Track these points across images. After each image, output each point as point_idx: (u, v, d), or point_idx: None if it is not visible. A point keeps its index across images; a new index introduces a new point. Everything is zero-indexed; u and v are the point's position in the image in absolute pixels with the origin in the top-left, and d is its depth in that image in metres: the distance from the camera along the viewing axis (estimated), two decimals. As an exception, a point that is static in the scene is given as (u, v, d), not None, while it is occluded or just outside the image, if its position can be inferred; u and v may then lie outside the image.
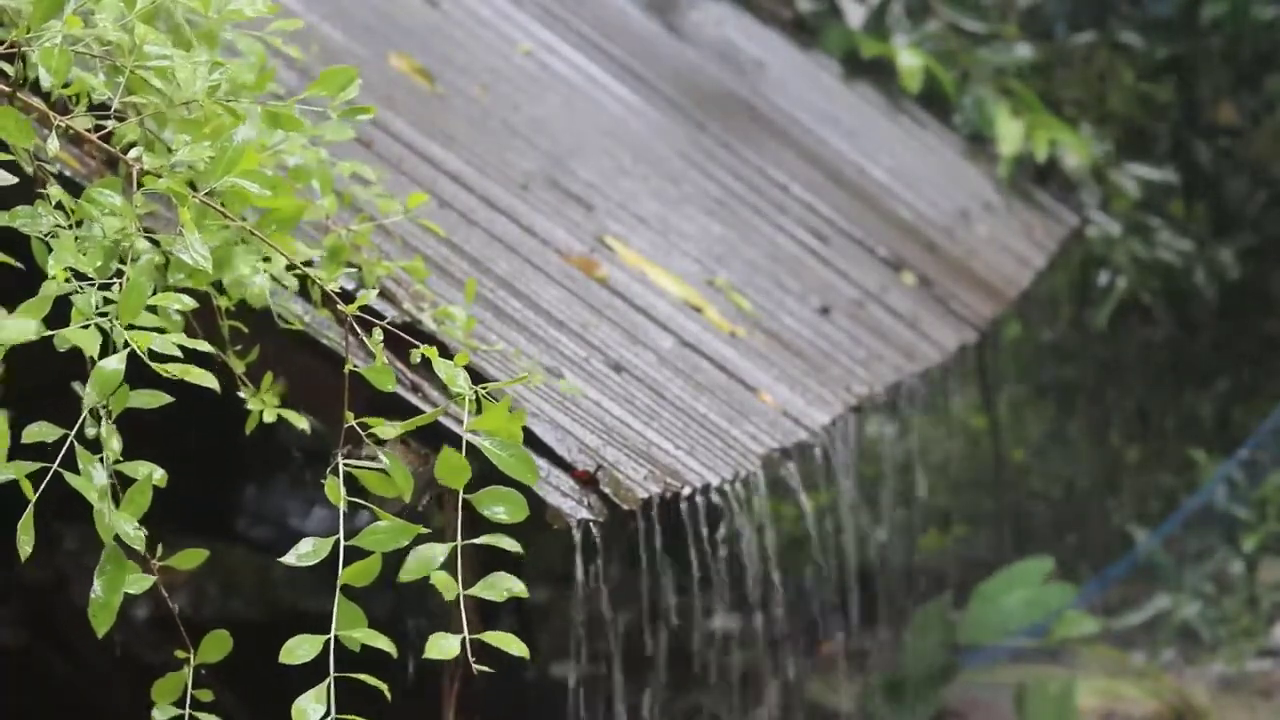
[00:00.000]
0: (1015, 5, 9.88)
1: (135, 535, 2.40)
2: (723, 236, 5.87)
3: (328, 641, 2.41)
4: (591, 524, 3.30)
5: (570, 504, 3.29)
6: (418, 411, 3.16)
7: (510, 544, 2.45)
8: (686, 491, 3.73)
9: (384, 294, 3.48)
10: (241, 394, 3.01)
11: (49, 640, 6.22)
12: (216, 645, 2.54)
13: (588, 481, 3.38)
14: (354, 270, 3.40)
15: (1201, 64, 10.03)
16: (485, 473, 2.52)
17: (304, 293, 3.16)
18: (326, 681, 2.39)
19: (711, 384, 4.52)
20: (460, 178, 4.71)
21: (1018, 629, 7.97)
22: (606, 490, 3.39)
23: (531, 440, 3.38)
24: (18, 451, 2.38)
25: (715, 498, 3.88)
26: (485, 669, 2.46)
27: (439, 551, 2.43)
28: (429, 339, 3.41)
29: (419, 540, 2.45)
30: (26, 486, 2.33)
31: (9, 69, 2.61)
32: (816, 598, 5.78)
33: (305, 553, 2.45)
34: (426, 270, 3.59)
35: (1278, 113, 10.06)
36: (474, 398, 2.54)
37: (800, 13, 9.07)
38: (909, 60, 8.75)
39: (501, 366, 3.58)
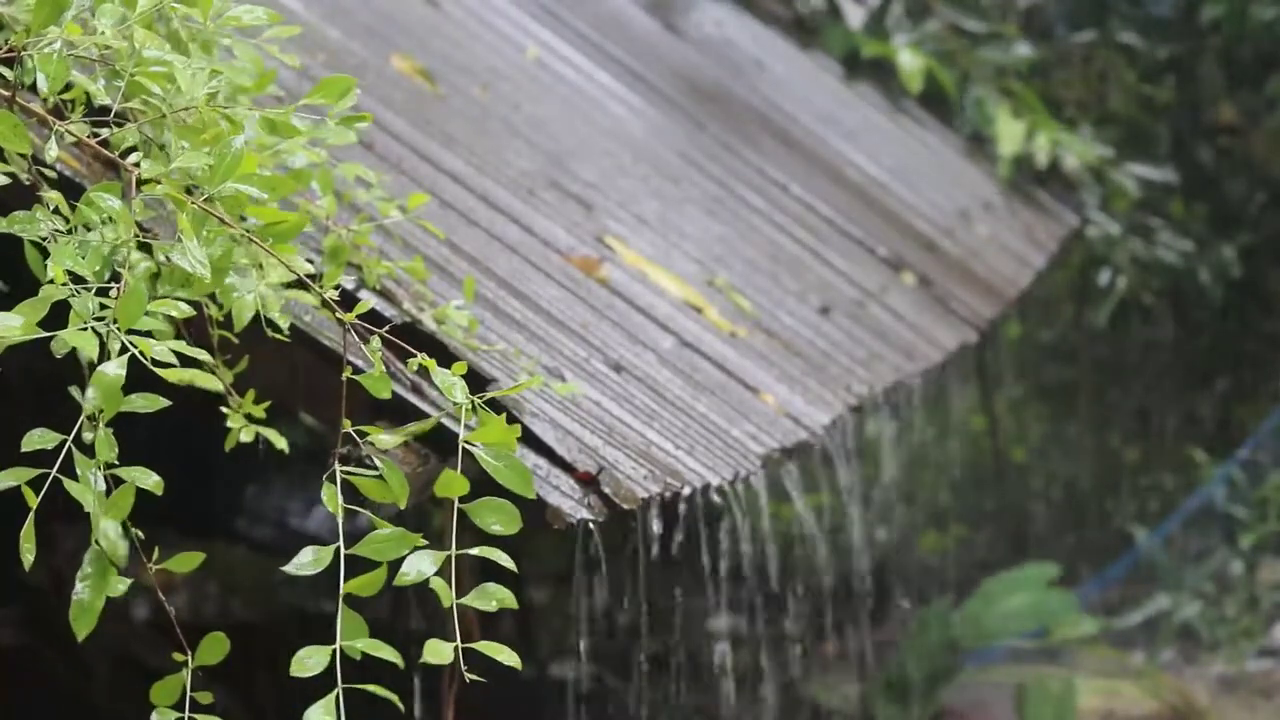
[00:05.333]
0: (1015, 5, 9.88)
1: (115, 539, 2.39)
2: (723, 236, 5.87)
3: (334, 651, 2.41)
4: (591, 524, 3.31)
5: (570, 504, 3.29)
6: (419, 412, 3.16)
7: (503, 558, 2.47)
8: (686, 491, 3.73)
9: (384, 294, 3.48)
10: (225, 408, 3.01)
11: (49, 640, 6.22)
12: (214, 647, 2.53)
13: (589, 482, 3.38)
14: (354, 270, 3.40)
15: (1201, 64, 10.04)
16: (485, 477, 2.53)
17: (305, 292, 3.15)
18: (335, 692, 2.39)
19: (711, 384, 4.52)
20: (460, 178, 4.71)
21: (1017, 631, 7.98)
22: (607, 490, 3.39)
23: (532, 440, 3.38)
24: (16, 451, 2.37)
25: (715, 498, 3.88)
26: (478, 678, 2.47)
27: (432, 560, 2.44)
28: (429, 339, 3.41)
29: (417, 548, 2.46)
30: (29, 494, 2.33)
31: (8, 74, 2.60)
32: (817, 598, 5.78)
33: (305, 562, 2.46)
34: (427, 270, 3.59)
35: (1278, 113, 10.06)
36: (470, 407, 2.55)
37: (800, 13, 9.08)
38: (910, 61, 8.75)
39: (501, 366, 3.58)
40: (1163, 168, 9.72)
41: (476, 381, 3.37)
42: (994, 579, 8.14)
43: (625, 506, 3.40)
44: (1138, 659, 8.65)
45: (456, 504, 2.47)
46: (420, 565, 2.44)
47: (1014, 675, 7.74)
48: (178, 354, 2.41)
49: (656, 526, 3.69)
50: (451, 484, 2.47)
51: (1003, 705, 7.61)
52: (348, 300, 3.18)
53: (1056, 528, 10.34)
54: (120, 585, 2.40)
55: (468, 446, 2.49)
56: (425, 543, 2.47)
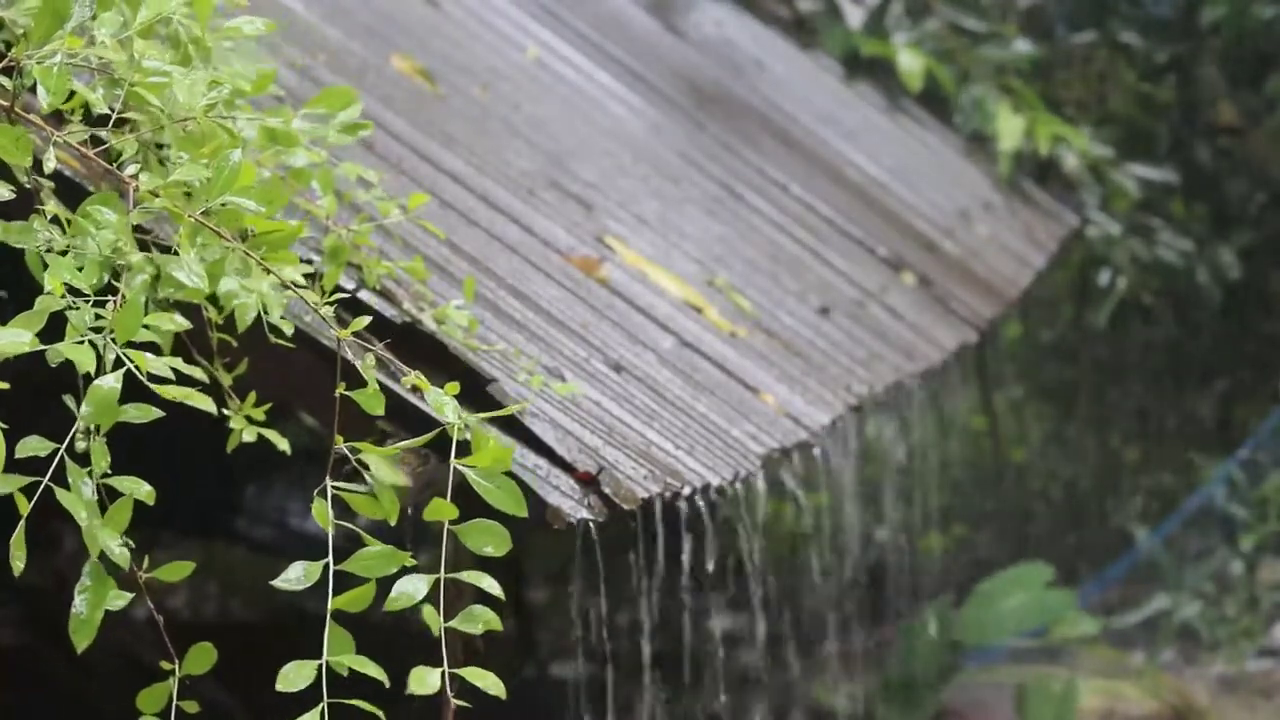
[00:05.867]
0: (1015, 5, 9.88)
1: (120, 553, 2.39)
2: (723, 236, 5.87)
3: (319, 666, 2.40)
4: (591, 524, 3.31)
5: (570, 504, 3.29)
6: (419, 412, 3.16)
7: (491, 584, 2.47)
8: (686, 491, 3.73)
9: (384, 294, 3.48)
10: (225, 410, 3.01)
11: (49, 640, 6.22)
12: (201, 657, 2.53)
13: (589, 482, 3.38)
14: (355, 270, 3.40)
15: (1201, 64, 10.03)
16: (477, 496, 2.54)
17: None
18: (320, 707, 2.39)
19: (711, 384, 4.52)
20: (460, 178, 4.72)
21: (1017, 631, 7.97)
22: (607, 490, 3.39)
23: (532, 440, 3.38)
24: (11, 458, 2.37)
25: (715, 498, 3.88)
26: (464, 704, 2.47)
27: (421, 584, 2.45)
28: (429, 339, 3.41)
29: (406, 568, 2.47)
30: (21, 501, 2.33)
31: (7, 84, 2.60)
32: (817, 598, 5.78)
33: (294, 577, 2.45)
34: (427, 270, 3.59)
35: (1278, 113, 10.06)
36: (463, 426, 2.56)
37: (800, 13, 9.07)
38: (910, 61, 8.75)
39: (501, 366, 3.58)
40: (1163, 168, 9.71)
41: (476, 382, 3.37)
42: (992, 579, 8.13)
43: (625, 506, 3.40)
44: (1138, 659, 8.64)
45: (447, 527, 2.48)
46: (410, 588, 2.45)
47: (1014, 675, 7.73)
48: (174, 369, 2.41)
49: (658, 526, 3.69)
50: (441, 510, 2.48)
51: (1003, 705, 7.60)
52: (347, 305, 3.18)
53: (1056, 528, 10.34)
54: (119, 600, 2.40)
55: (459, 466, 2.50)
56: (414, 562, 2.47)
